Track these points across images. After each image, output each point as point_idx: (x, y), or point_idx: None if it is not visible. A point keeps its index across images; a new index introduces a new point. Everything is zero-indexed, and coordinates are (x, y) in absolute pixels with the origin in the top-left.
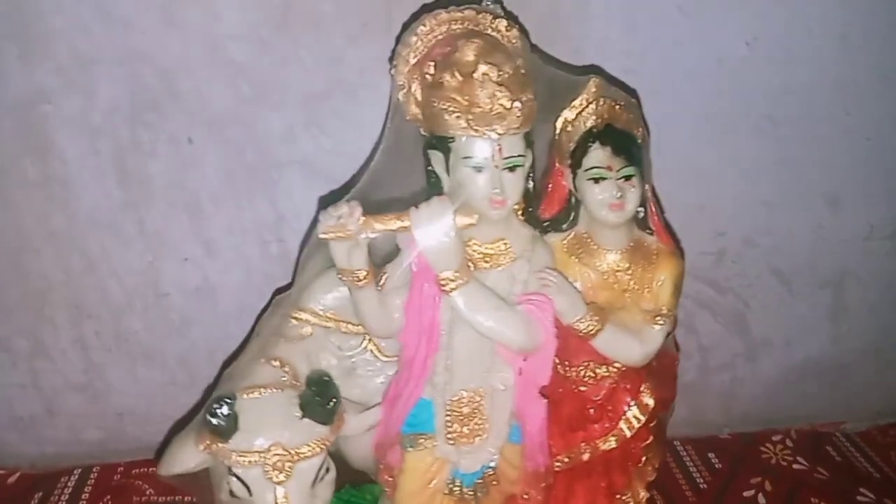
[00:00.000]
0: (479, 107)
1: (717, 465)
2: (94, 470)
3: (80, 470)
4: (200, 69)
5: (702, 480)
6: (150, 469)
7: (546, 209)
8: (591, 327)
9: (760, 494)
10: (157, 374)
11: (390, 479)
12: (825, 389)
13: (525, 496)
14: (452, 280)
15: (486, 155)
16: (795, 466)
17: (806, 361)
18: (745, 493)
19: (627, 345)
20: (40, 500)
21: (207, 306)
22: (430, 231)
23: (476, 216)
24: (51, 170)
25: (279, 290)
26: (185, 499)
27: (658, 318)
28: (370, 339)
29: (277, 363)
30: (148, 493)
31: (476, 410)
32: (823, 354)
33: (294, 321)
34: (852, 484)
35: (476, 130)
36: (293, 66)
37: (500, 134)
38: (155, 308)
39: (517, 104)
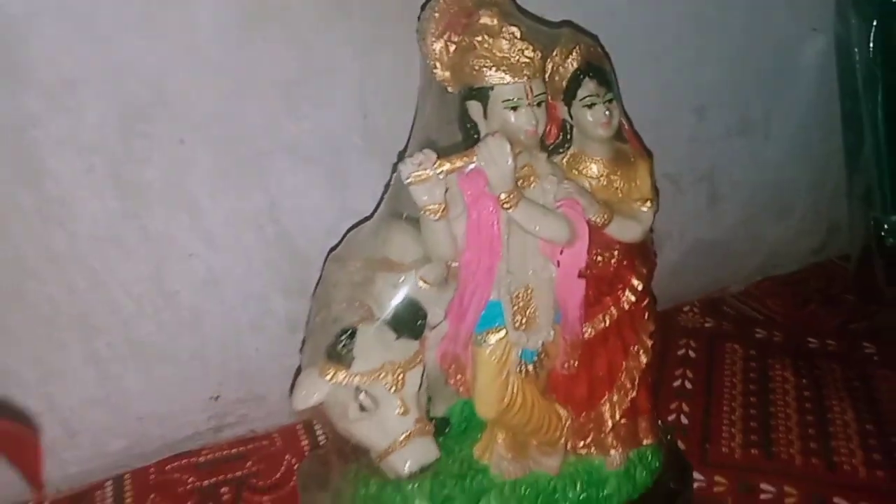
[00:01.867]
0: (510, 59)
1: None
2: (126, 476)
3: (111, 481)
4: (183, 73)
5: None
6: (182, 461)
7: (548, 137)
8: (605, 218)
9: (690, 350)
10: (172, 372)
11: (461, 377)
12: (712, 263)
13: (566, 366)
14: (512, 197)
15: (520, 95)
16: (706, 325)
17: (696, 243)
18: (679, 352)
19: (630, 226)
20: None
21: (215, 298)
22: (494, 160)
23: (521, 144)
24: (46, 192)
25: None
26: (228, 476)
27: (646, 202)
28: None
29: (357, 304)
30: (189, 481)
31: (530, 301)
32: (707, 235)
33: (359, 269)
34: (749, 327)
35: (512, 77)
36: (267, 58)
37: (529, 77)
38: (165, 309)
39: (538, 53)
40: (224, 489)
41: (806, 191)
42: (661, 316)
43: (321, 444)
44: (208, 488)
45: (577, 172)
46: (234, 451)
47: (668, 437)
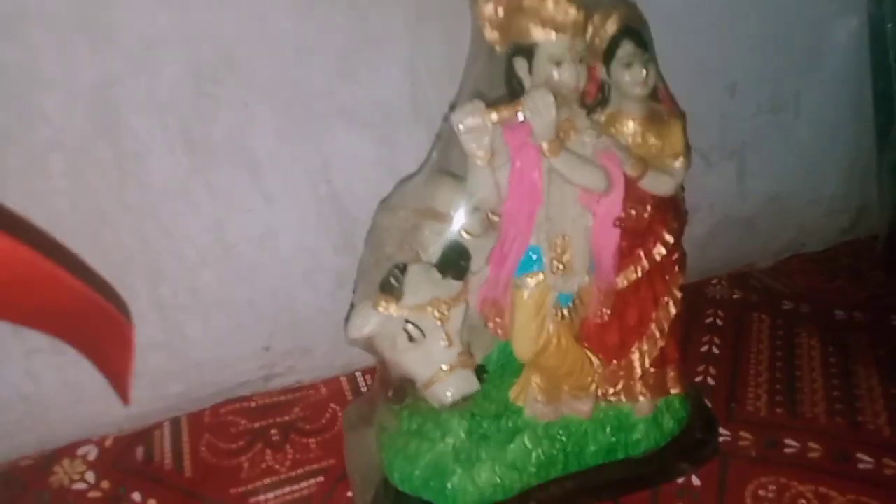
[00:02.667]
0: (555, 17)
1: None
2: (182, 419)
3: (168, 422)
4: (250, 40)
5: None
6: (235, 405)
7: (588, 96)
8: (640, 171)
9: (717, 319)
10: (228, 321)
11: (500, 320)
12: (740, 239)
13: (598, 314)
14: (554, 146)
15: (564, 51)
16: (734, 297)
17: (724, 219)
18: (707, 321)
19: (664, 180)
20: (144, 454)
21: (271, 251)
22: (539, 110)
23: (562, 97)
24: (124, 148)
25: None
26: (277, 419)
27: (678, 158)
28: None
29: (407, 247)
30: (242, 423)
31: (567, 248)
32: (735, 211)
33: (409, 216)
34: (777, 299)
35: (557, 34)
36: (326, 27)
37: (572, 35)
38: (224, 260)
39: (581, 12)
40: (273, 431)
41: (836, 170)
42: (689, 288)
43: (364, 393)
44: (259, 430)
45: (614, 130)
46: (282, 398)
47: (695, 392)
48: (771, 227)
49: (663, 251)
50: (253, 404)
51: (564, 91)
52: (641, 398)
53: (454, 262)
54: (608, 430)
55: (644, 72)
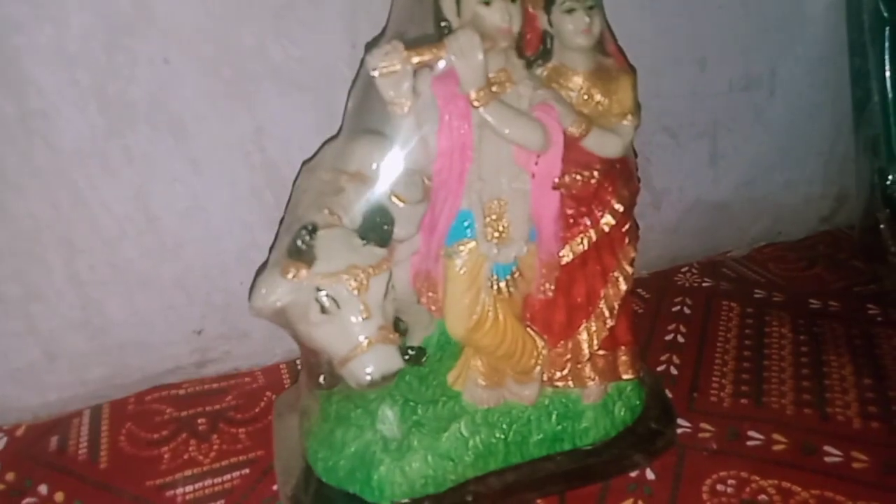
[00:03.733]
0: None
1: (645, 296)
2: (105, 406)
3: (88, 409)
4: None
5: (638, 307)
6: (162, 393)
7: (527, 50)
8: (582, 129)
9: (685, 307)
10: (155, 300)
11: (433, 294)
12: (712, 225)
13: (542, 289)
14: (483, 96)
15: None
16: (704, 285)
17: (696, 203)
18: (674, 309)
19: (610, 139)
20: (58, 444)
21: (199, 224)
22: (464, 53)
23: (493, 41)
24: (29, 104)
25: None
26: (207, 408)
27: (627, 116)
28: (392, 192)
29: (327, 211)
30: (168, 411)
31: (502, 214)
32: (707, 195)
33: (330, 178)
34: (748, 288)
35: None
36: None
37: None
38: (148, 233)
39: None
40: (201, 420)
41: (814, 154)
42: (658, 275)
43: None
44: (186, 419)
45: (556, 86)
46: (214, 385)
47: (652, 379)
48: (745, 213)
49: (612, 221)
50: (182, 392)
51: (495, 34)
52: (590, 383)
53: (376, 227)
54: (554, 417)
55: (587, 19)
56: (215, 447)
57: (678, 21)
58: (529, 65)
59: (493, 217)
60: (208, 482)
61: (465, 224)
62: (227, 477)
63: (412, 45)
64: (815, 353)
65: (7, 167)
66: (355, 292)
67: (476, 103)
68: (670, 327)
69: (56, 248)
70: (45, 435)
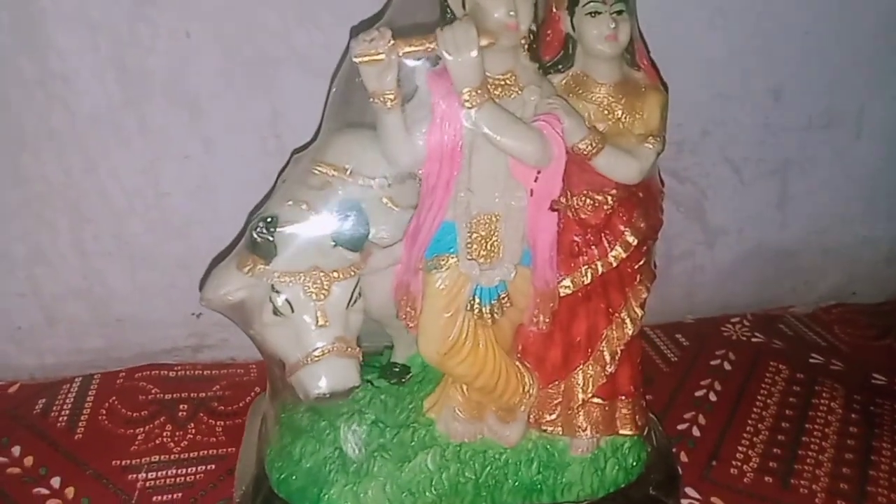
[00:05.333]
0: None
1: (684, 343)
2: (96, 377)
3: (80, 378)
4: None
5: (672, 355)
6: (153, 371)
7: (545, 53)
8: (594, 147)
9: (726, 362)
10: (157, 278)
11: (411, 310)
12: (775, 274)
13: (535, 320)
14: (475, 97)
15: None
16: (754, 340)
17: (758, 248)
18: (712, 363)
19: (625, 162)
20: (43, 407)
21: (208, 206)
22: (457, 47)
23: (494, 36)
24: (50, 67)
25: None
26: (192, 395)
27: (649, 138)
28: (385, 193)
29: (305, 206)
30: (153, 391)
31: (493, 231)
32: (772, 241)
33: (316, 172)
34: (804, 350)
35: None
36: None
37: None
38: (155, 209)
39: None
40: (183, 406)
41: None
42: (704, 323)
43: None
44: (168, 402)
45: (573, 97)
46: (206, 372)
47: (661, 438)
48: (814, 266)
49: (622, 254)
50: (173, 374)
51: (498, 30)
52: (581, 433)
53: (348, 230)
54: (535, 465)
55: (612, 24)
56: (189, 436)
57: (754, 44)
58: (546, 70)
59: (482, 234)
60: (172, 471)
61: (449, 237)
62: (192, 470)
63: (405, 33)
64: (866, 437)
65: (25, 128)
66: (313, 296)
67: (467, 104)
68: (704, 382)
69: (64, 214)
70: (34, 396)
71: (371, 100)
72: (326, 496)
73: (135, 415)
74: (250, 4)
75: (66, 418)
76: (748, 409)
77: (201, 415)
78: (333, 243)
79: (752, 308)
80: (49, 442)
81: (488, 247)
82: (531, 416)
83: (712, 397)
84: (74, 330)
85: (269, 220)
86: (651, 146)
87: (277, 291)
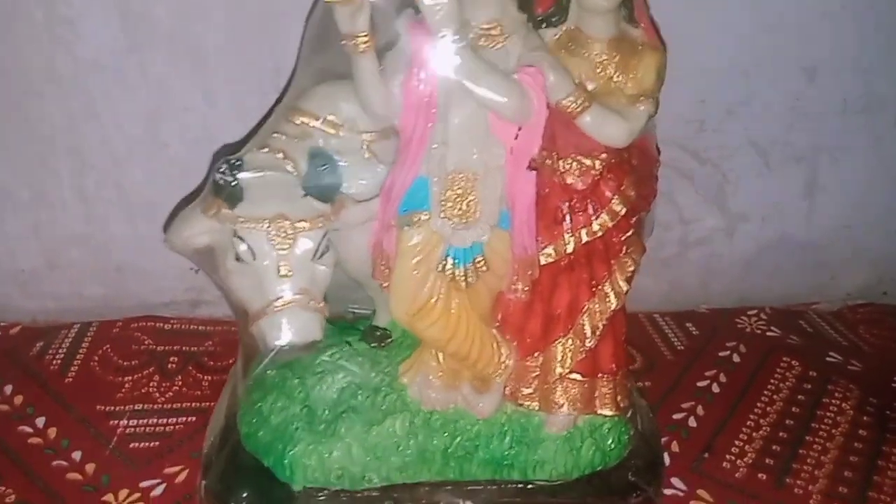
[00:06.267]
0: None
1: (694, 332)
2: (94, 324)
3: (78, 325)
4: None
5: (679, 344)
6: (149, 323)
7: (539, 5)
8: (579, 104)
9: (735, 354)
10: (156, 229)
11: (386, 269)
12: (799, 268)
13: (513, 288)
14: (451, 40)
15: None
16: (769, 334)
17: (781, 239)
18: (721, 354)
19: (613, 122)
20: (40, 350)
21: (207, 159)
22: None
23: None
24: (57, 9)
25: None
26: (184, 348)
27: (641, 99)
28: (368, 145)
29: (281, 155)
30: (146, 342)
31: (470, 190)
32: (798, 233)
33: (297, 122)
34: (822, 348)
35: None
36: None
37: None
38: (155, 158)
39: None
40: (173, 358)
41: None
42: (717, 314)
43: None
44: (160, 353)
45: (566, 53)
46: (200, 328)
47: (646, 421)
48: (843, 261)
49: (609, 223)
50: (167, 326)
51: None
52: (558, 410)
53: (318, 179)
54: (507, 439)
55: None
56: (174, 388)
57: (787, 20)
58: (539, 24)
59: (458, 192)
60: (153, 420)
61: (423, 193)
62: (173, 420)
63: None
64: (875, 442)
65: (30, 70)
66: (276, 245)
67: (442, 48)
68: (708, 373)
69: (67, 158)
70: (33, 339)
71: (343, 42)
72: (291, 453)
73: (125, 363)
74: None
75: (59, 362)
76: (752, 403)
77: (190, 368)
78: (303, 192)
79: (772, 302)
80: (40, 383)
81: (464, 206)
82: (507, 389)
83: (715, 388)
84: (75, 276)
85: (233, 162)
86: (643, 107)
87: (240, 237)
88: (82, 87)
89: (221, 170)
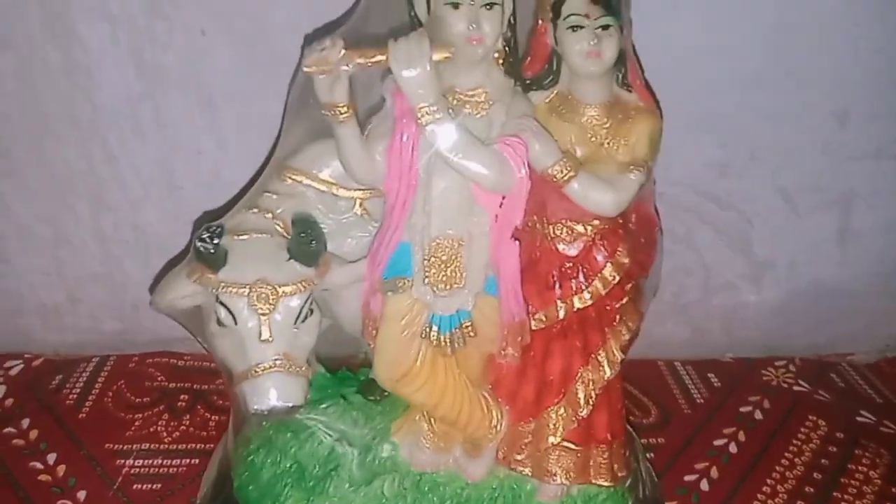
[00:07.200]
0: None
1: (716, 384)
2: (111, 358)
3: (97, 358)
4: None
5: (699, 396)
6: (164, 359)
7: (529, 68)
8: (564, 173)
9: (758, 411)
10: (168, 268)
11: (374, 330)
12: (831, 317)
13: (503, 353)
14: (428, 113)
15: None
16: (796, 388)
17: (811, 286)
18: (742, 409)
19: (599, 192)
20: (59, 383)
21: (219, 201)
22: (407, 62)
23: (452, 49)
24: (73, 57)
25: None
26: (195, 386)
27: (633, 167)
28: (361, 203)
29: (270, 215)
30: (159, 379)
31: (454, 257)
32: (830, 280)
33: (288, 180)
34: (853, 406)
35: None
36: None
37: None
38: (169, 200)
39: None
40: (184, 396)
41: None
42: (742, 364)
43: None
44: (172, 391)
45: (556, 117)
46: (212, 364)
47: (649, 492)
48: (879, 310)
49: (600, 290)
50: (181, 362)
51: (460, 43)
52: (550, 479)
53: (301, 243)
54: None
55: (593, 40)
56: (182, 427)
57: (816, 62)
58: (529, 87)
59: (442, 258)
60: (158, 461)
61: (407, 259)
62: (177, 462)
63: (361, 44)
64: None
65: (50, 115)
66: (256, 309)
67: (421, 121)
68: (727, 430)
69: (85, 199)
70: (53, 371)
71: (323, 112)
72: None
73: (137, 400)
74: (263, 4)
75: (75, 397)
76: (770, 466)
77: (199, 407)
78: (287, 257)
79: (802, 352)
80: (55, 418)
81: (448, 272)
82: (500, 453)
83: (732, 448)
84: (94, 311)
85: (214, 230)
86: (633, 176)
87: (221, 302)
88: (99, 132)
89: (202, 237)
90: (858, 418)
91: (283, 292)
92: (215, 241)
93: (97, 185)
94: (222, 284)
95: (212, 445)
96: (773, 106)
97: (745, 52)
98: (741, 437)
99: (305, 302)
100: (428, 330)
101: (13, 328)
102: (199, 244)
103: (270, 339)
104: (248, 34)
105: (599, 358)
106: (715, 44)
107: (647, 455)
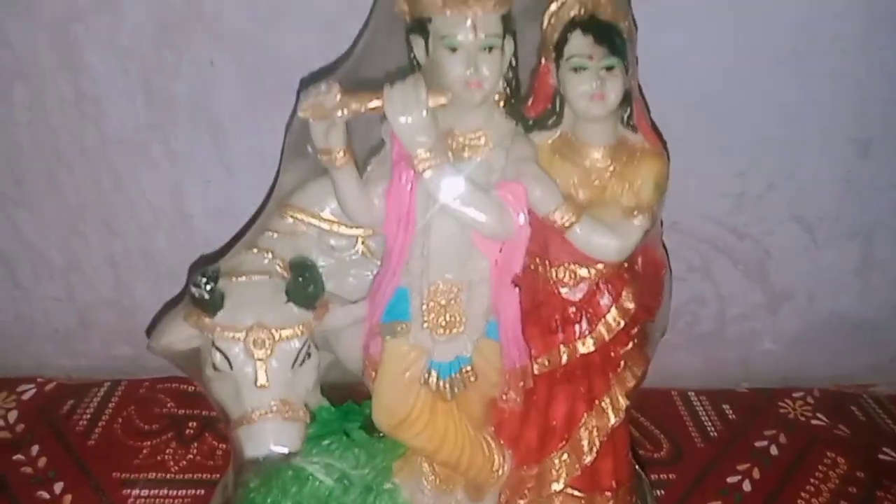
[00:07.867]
0: None
1: (730, 416)
2: (122, 383)
3: (109, 383)
4: None
5: (713, 429)
6: (173, 385)
7: (532, 109)
8: (566, 219)
9: (773, 446)
10: (179, 295)
11: (374, 373)
12: (852, 348)
13: (504, 398)
14: (425, 159)
15: (461, 33)
16: (814, 422)
17: (831, 317)
18: (757, 444)
19: (604, 237)
20: (70, 408)
21: (229, 229)
22: (403, 108)
23: (449, 94)
24: (83, 88)
25: None
26: (203, 413)
27: (637, 213)
28: (363, 241)
29: (270, 255)
30: (169, 405)
31: (453, 302)
32: (850, 310)
33: (289, 219)
34: (875, 441)
35: (452, 8)
36: None
37: (474, 9)
38: (180, 228)
39: None
40: (192, 423)
41: None
42: (758, 395)
43: None
44: (180, 418)
45: (559, 158)
46: None
47: None
48: None
49: (604, 336)
50: (190, 389)
51: (459, 87)
52: None
53: (299, 286)
54: None
55: (596, 82)
56: (189, 456)
57: (838, 89)
58: (532, 128)
59: (441, 303)
60: (163, 492)
61: (405, 303)
62: (182, 492)
63: (363, 87)
64: None
65: (61, 145)
66: (252, 354)
67: (418, 167)
68: (741, 467)
69: (96, 227)
70: (64, 396)
71: (319, 156)
72: None
73: (146, 427)
74: (272, 35)
75: (85, 422)
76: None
77: (206, 435)
78: (285, 299)
79: (821, 383)
80: (64, 444)
81: (447, 317)
82: (503, 497)
83: (746, 487)
84: (106, 337)
85: (210, 274)
86: (637, 222)
87: (217, 347)
88: (110, 161)
89: (197, 282)
90: (881, 456)
91: (281, 336)
92: (209, 287)
93: (108, 213)
94: (218, 328)
95: (217, 475)
96: (793, 134)
97: (763, 79)
98: (755, 474)
99: (303, 345)
100: (427, 375)
101: (26, 353)
102: (194, 290)
103: (267, 384)
104: (257, 65)
105: (604, 405)
106: (732, 70)
107: (657, 493)
